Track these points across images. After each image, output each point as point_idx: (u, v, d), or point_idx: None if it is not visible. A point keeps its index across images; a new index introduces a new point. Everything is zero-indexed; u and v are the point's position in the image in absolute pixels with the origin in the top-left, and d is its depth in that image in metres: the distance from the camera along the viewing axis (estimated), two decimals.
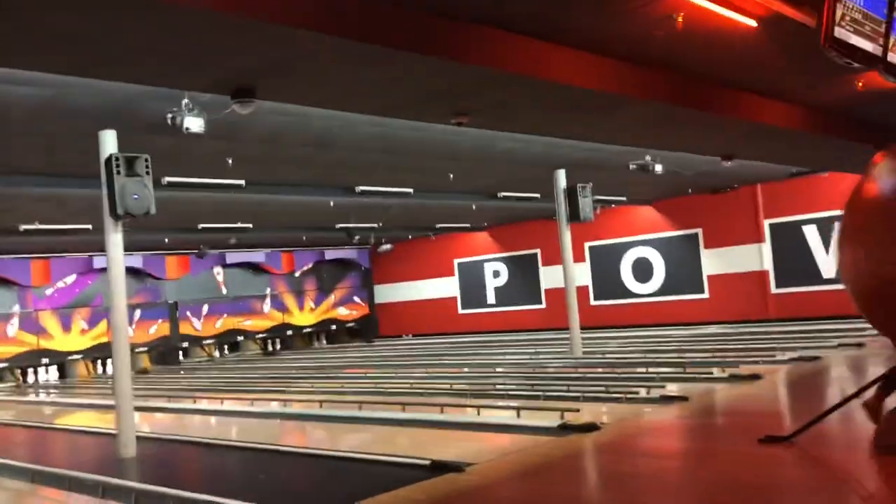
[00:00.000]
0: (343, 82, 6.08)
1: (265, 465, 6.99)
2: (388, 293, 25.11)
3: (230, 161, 9.90)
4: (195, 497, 5.42)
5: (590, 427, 6.09)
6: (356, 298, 25.19)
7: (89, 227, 15.25)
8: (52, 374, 19.77)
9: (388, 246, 21.60)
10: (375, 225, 18.50)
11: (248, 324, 22.86)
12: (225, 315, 22.39)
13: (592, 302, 20.13)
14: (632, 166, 12.37)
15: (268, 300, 23.35)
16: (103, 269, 19.66)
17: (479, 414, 8.45)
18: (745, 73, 7.75)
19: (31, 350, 18.93)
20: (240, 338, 22.86)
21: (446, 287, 23.74)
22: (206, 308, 22.08)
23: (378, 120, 8.41)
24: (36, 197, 11.96)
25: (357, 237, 19.42)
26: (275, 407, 11.01)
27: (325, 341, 24.38)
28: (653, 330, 17.82)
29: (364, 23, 4.97)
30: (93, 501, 6.11)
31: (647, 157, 12.18)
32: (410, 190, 14.20)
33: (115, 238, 7.85)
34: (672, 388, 8.66)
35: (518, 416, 7.87)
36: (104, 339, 20.09)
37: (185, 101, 7.03)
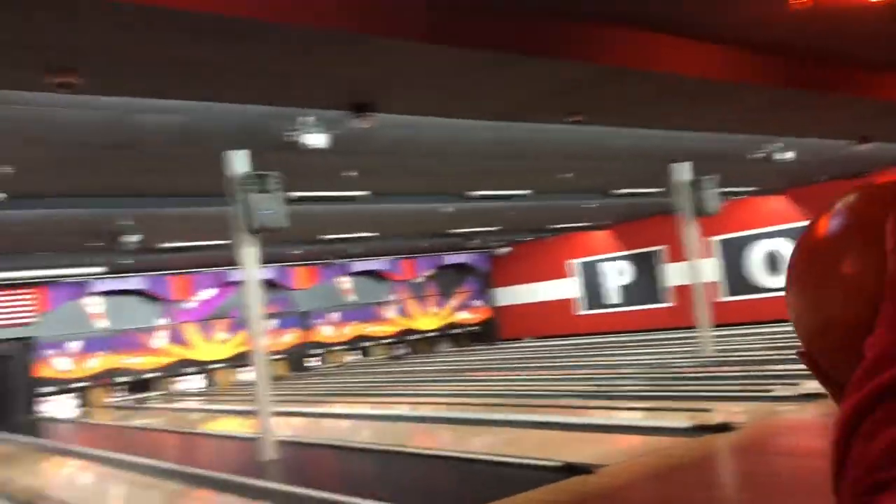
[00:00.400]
0: (461, 91, 6.18)
1: (397, 467, 7.18)
2: (507, 296, 25.15)
3: (352, 174, 10.24)
4: (334, 498, 5.63)
5: (724, 427, 5.90)
6: (476, 302, 25.38)
7: (226, 242, 16.12)
8: (197, 382, 21.02)
9: (505, 249, 21.48)
10: (494, 228, 18.59)
11: (374, 329, 23.48)
12: (352, 322, 23.10)
13: (722, 298, 19.41)
14: (757, 155, 11.87)
15: (392, 306, 23.90)
16: (239, 282, 20.82)
17: (607, 416, 8.35)
18: (874, 49, 7.31)
19: (177, 360, 20.19)
20: (367, 343, 23.50)
21: (565, 288, 23.52)
22: (334, 316, 22.86)
23: (495, 125, 8.50)
24: (176, 217, 12.78)
25: (476, 241, 19.56)
26: (404, 410, 11.26)
27: (448, 345, 24.69)
28: (787, 325, 16.97)
29: (478, 31, 5.05)
30: (240, 502, 6.46)
31: (775, 145, 11.65)
32: (528, 192, 14.20)
33: (250, 252, 8.28)
34: (810, 385, 8.25)
35: (648, 417, 7.72)
36: (243, 349, 21.18)
37: (307, 118, 7.33)
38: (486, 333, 24.97)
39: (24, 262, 15.72)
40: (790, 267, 0.70)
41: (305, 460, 8.28)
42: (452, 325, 24.88)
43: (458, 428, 9.26)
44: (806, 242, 0.70)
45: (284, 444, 8.45)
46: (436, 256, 24.39)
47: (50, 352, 18.49)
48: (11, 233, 12.53)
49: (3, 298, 17.85)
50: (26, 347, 18.42)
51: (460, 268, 25.15)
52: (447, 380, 14.46)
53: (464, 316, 25.10)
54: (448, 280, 24.96)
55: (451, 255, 24.53)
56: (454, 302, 25.01)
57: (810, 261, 0.68)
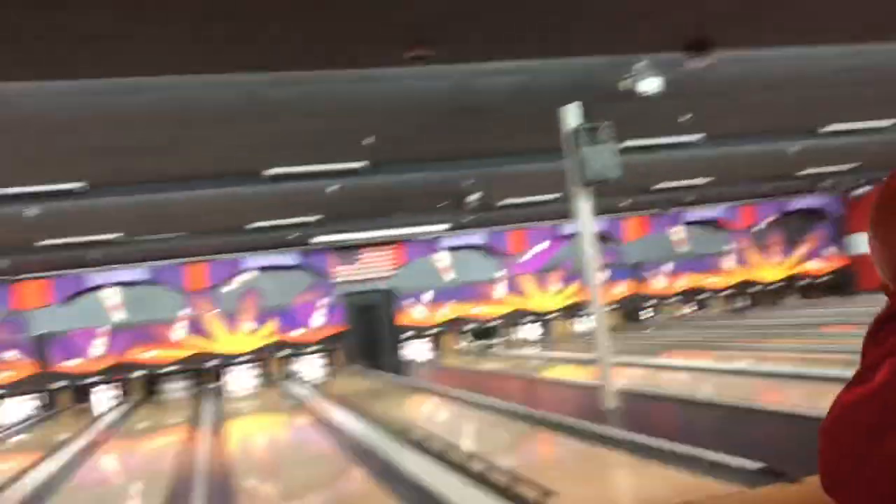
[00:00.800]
0: (810, 14, 5.58)
1: (743, 423, 6.87)
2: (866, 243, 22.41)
3: (687, 117, 9.83)
4: (681, 450, 5.57)
5: None
6: (828, 250, 23.05)
7: (558, 195, 16.55)
8: (535, 330, 22.05)
9: (863, 190, 18.40)
10: (849, 167, 16.65)
11: (711, 281, 22.51)
12: (687, 273, 22.40)
13: None
14: None
15: (730, 257, 22.70)
16: (571, 236, 21.27)
17: None
18: None
19: (515, 310, 21.34)
20: (703, 296, 22.64)
21: None
22: (667, 267, 22.37)
23: (845, 49, 7.56)
24: (513, 174, 13.39)
25: (827, 183, 17.69)
26: (747, 364, 10.70)
27: (794, 297, 22.82)
28: None
29: None
30: (583, 446, 6.67)
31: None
32: (890, 122, 12.47)
33: (584, 205, 8.40)
34: None
35: None
36: (576, 299, 21.71)
37: (640, 64, 7.17)
38: (840, 285, 22.60)
39: (384, 222, 17.67)
40: (873, 211, 0.82)
41: (646, 411, 8.28)
42: (799, 276, 22.93)
43: (809, 385, 8.56)
44: (886, 190, 0.81)
45: (624, 394, 8.54)
46: (779, 201, 22.56)
47: (408, 301, 20.66)
48: (373, 197, 14.12)
49: (367, 255, 20.27)
50: (389, 298, 20.80)
51: (808, 213, 22.98)
52: (795, 334, 13.41)
53: (813, 266, 22.98)
54: (794, 226, 22.97)
55: (798, 198, 22.50)
56: (801, 250, 22.99)
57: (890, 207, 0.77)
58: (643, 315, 22.36)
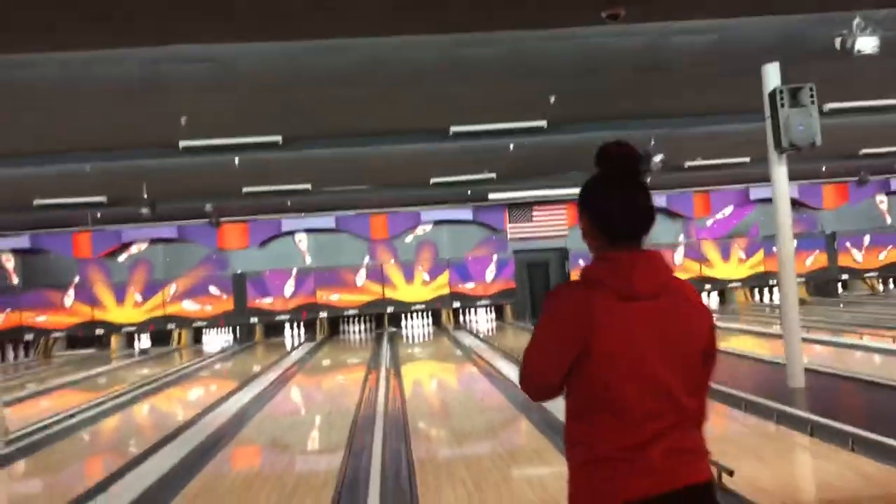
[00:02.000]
0: None
1: None
2: None
3: None
4: (874, 437, 5.23)
5: None
6: None
7: (747, 159, 15.69)
8: (714, 299, 21.21)
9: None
10: None
11: None
12: (890, 247, 20.58)
13: None
14: None
15: None
16: (759, 201, 20.11)
17: None
18: None
19: (696, 276, 20.57)
20: None
21: None
22: (867, 239, 20.65)
23: None
24: (699, 135, 12.83)
25: None
26: None
27: None
28: None
29: None
30: (764, 425, 6.41)
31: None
32: None
33: (779, 170, 7.92)
34: None
35: None
36: (760, 269, 20.60)
37: (857, 20, 6.59)
38: None
39: (560, 181, 17.55)
40: None
41: (834, 392, 7.80)
42: None
43: None
44: None
45: (810, 373, 8.08)
46: None
47: (580, 262, 20.48)
48: (552, 155, 14.05)
49: (541, 213, 20.25)
50: (561, 257, 20.74)
51: None
52: None
53: None
54: None
55: None
56: None
57: None
58: (838, 288, 20.88)
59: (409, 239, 20.22)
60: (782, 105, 7.69)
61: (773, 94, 7.79)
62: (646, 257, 1.98)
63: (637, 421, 1.84)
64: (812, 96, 7.67)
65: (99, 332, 19.68)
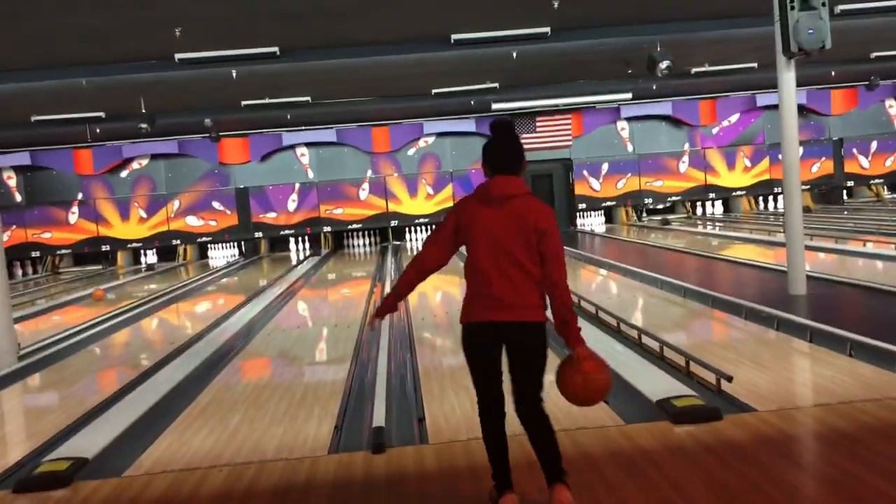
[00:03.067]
0: None
1: None
2: None
3: None
4: (872, 343, 5.30)
5: None
6: None
7: (754, 65, 15.36)
8: (718, 207, 21.18)
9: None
10: None
11: None
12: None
13: None
14: None
15: None
16: (767, 107, 19.80)
17: None
18: None
19: (700, 185, 20.48)
20: None
21: None
22: (874, 145, 20.44)
23: None
24: (707, 40, 12.50)
25: None
26: None
27: None
28: None
29: None
30: (764, 332, 6.49)
31: None
32: None
33: (787, 76, 7.75)
34: None
35: None
36: (766, 177, 20.48)
37: None
38: None
39: (565, 90, 17.25)
40: None
41: (837, 299, 7.86)
42: None
43: None
44: None
45: (812, 280, 8.13)
46: None
47: (584, 173, 20.36)
48: (554, 63, 13.75)
49: (543, 123, 19.98)
50: (565, 168, 20.59)
51: None
52: None
53: None
54: None
55: None
56: None
57: None
58: (843, 195, 20.80)
59: (411, 152, 20.04)
60: (792, 7, 7.47)
61: None
62: (504, 179, 3.13)
63: (482, 275, 3.07)
64: None
65: (105, 248, 19.81)
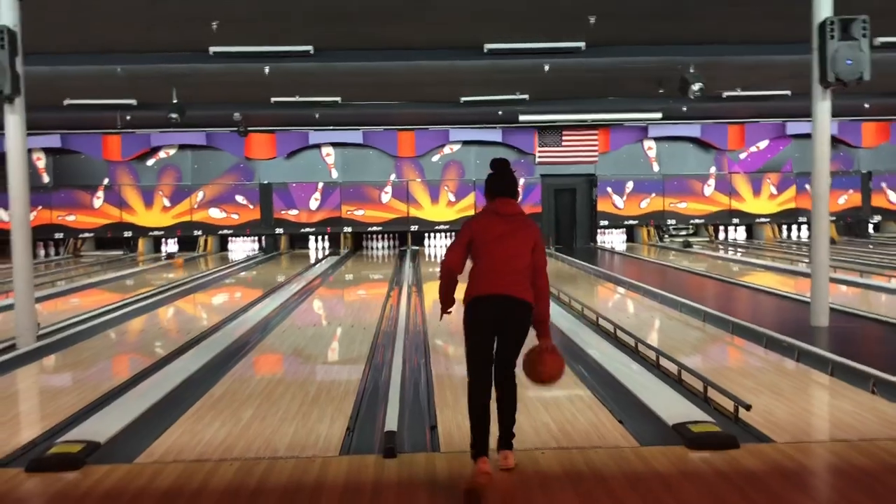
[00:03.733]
0: None
1: None
2: None
3: None
4: (893, 380, 5.21)
5: None
6: None
7: (787, 92, 15.25)
8: (741, 233, 21.03)
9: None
10: None
11: None
12: None
13: None
14: None
15: None
16: (796, 136, 19.66)
17: None
18: None
19: (724, 209, 20.34)
20: None
21: None
22: None
23: None
24: (741, 64, 12.43)
25: None
26: None
27: None
28: None
29: None
30: (787, 362, 6.41)
31: None
32: None
33: (822, 106, 7.68)
34: None
35: None
36: (791, 205, 20.31)
37: None
38: None
39: (591, 105, 17.20)
40: None
41: (857, 334, 7.76)
42: None
43: None
44: None
45: (834, 313, 8.02)
46: None
47: (608, 189, 20.29)
48: (585, 79, 13.73)
49: (570, 138, 19.94)
50: (589, 183, 20.53)
51: None
52: None
53: None
54: None
55: None
56: None
57: None
58: (869, 229, 20.58)
59: (435, 158, 20.07)
60: (832, 37, 7.40)
61: (822, 26, 7.49)
62: (507, 201, 4.01)
63: (493, 266, 3.87)
64: (865, 29, 7.37)
65: (127, 234, 19.97)
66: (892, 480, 3.70)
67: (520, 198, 4.22)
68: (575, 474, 3.84)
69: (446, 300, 4.04)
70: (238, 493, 3.68)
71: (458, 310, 4.05)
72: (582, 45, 10.97)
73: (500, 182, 4.05)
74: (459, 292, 3.98)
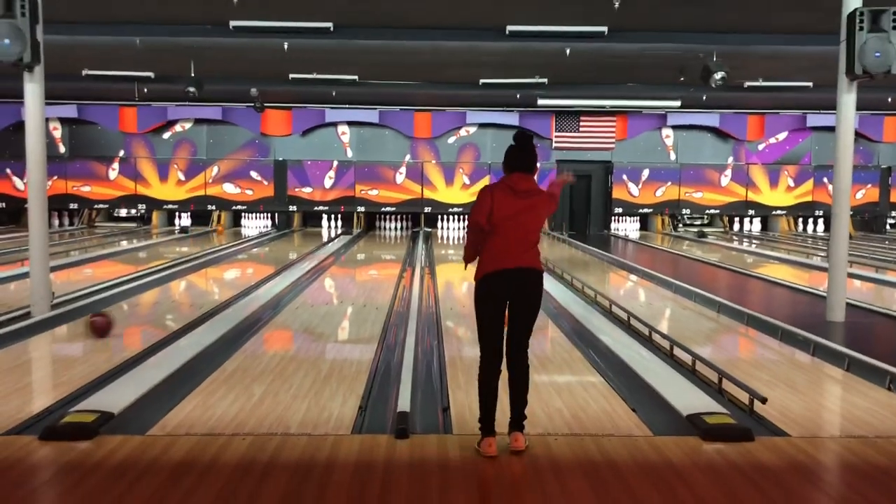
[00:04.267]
0: None
1: None
2: None
3: None
4: None
5: None
6: None
7: (809, 84, 15.07)
8: (756, 225, 20.88)
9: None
10: None
11: None
12: None
13: None
14: None
15: None
16: (816, 128, 19.46)
17: None
18: None
19: (740, 200, 20.18)
20: None
21: None
22: None
23: None
24: (764, 54, 12.27)
25: None
26: None
27: None
28: None
29: None
30: (802, 356, 6.36)
31: None
32: None
33: (847, 98, 7.57)
34: None
35: None
36: (808, 198, 20.14)
37: None
38: None
39: (610, 91, 17.05)
40: None
41: (877, 330, 7.68)
42: None
43: None
44: None
45: (850, 308, 7.95)
46: None
47: (624, 177, 20.16)
48: (606, 64, 13.59)
49: (588, 123, 19.80)
50: (605, 170, 20.41)
51: None
52: None
53: None
54: None
55: None
56: None
57: None
58: (886, 225, 20.40)
59: (451, 140, 19.99)
60: (861, 28, 7.27)
61: (851, 16, 7.36)
62: (524, 176, 4.04)
63: (506, 244, 3.92)
64: (895, 21, 7.23)
65: (141, 206, 20.03)
66: None
67: (536, 173, 4.17)
68: (587, 462, 3.82)
69: (472, 255, 4.11)
70: (250, 468, 3.68)
71: (469, 289, 4.02)
72: (605, 29, 10.86)
73: (520, 155, 4.05)
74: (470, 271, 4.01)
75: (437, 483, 3.54)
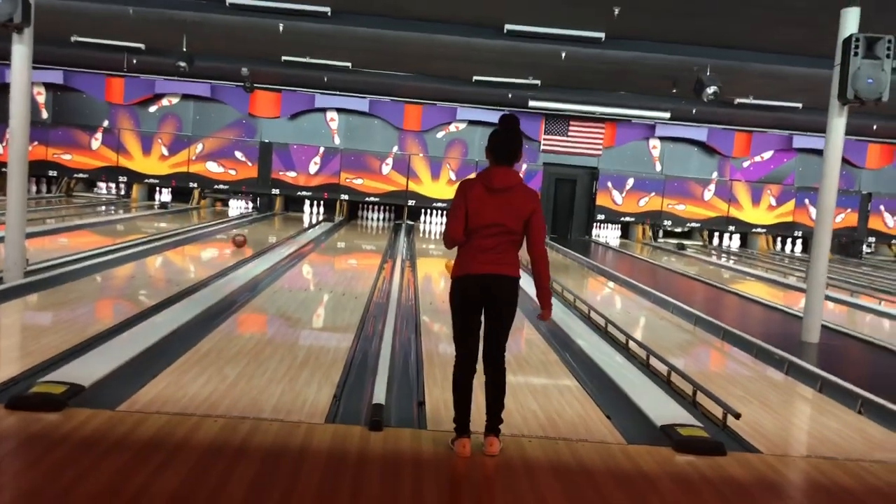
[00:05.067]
0: None
1: None
2: None
3: None
4: (884, 404, 5.21)
5: None
6: None
7: (799, 105, 15.21)
8: (735, 241, 21.05)
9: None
10: None
11: None
12: None
13: None
14: None
15: None
16: (802, 150, 19.66)
17: None
18: None
19: (721, 216, 20.34)
20: None
21: None
22: None
23: None
24: (758, 72, 12.35)
25: None
26: None
27: None
28: None
29: None
30: (776, 374, 6.41)
31: None
32: None
33: (837, 122, 7.61)
34: None
35: None
36: (789, 219, 20.34)
37: None
38: None
39: (601, 98, 17.09)
40: None
41: (850, 353, 7.76)
42: None
43: None
44: None
45: (824, 330, 8.02)
46: None
47: (608, 184, 20.23)
48: (601, 70, 13.62)
49: (576, 128, 19.84)
50: (590, 176, 20.47)
51: None
52: None
53: None
54: None
55: None
56: None
57: None
58: (862, 250, 20.64)
59: (440, 135, 19.94)
60: (856, 54, 7.33)
61: (847, 41, 7.42)
62: (504, 171, 3.86)
63: (481, 246, 3.82)
64: (889, 49, 7.30)
65: (122, 179, 19.79)
66: (875, 503, 3.69)
67: (521, 159, 3.95)
68: (560, 465, 3.81)
69: (451, 246, 4.05)
70: (221, 450, 3.63)
71: (449, 285, 3.99)
72: (602, 35, 10.87)
73: (504, 140, 3.86)
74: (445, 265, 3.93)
75: (409, 477, 3.52)
